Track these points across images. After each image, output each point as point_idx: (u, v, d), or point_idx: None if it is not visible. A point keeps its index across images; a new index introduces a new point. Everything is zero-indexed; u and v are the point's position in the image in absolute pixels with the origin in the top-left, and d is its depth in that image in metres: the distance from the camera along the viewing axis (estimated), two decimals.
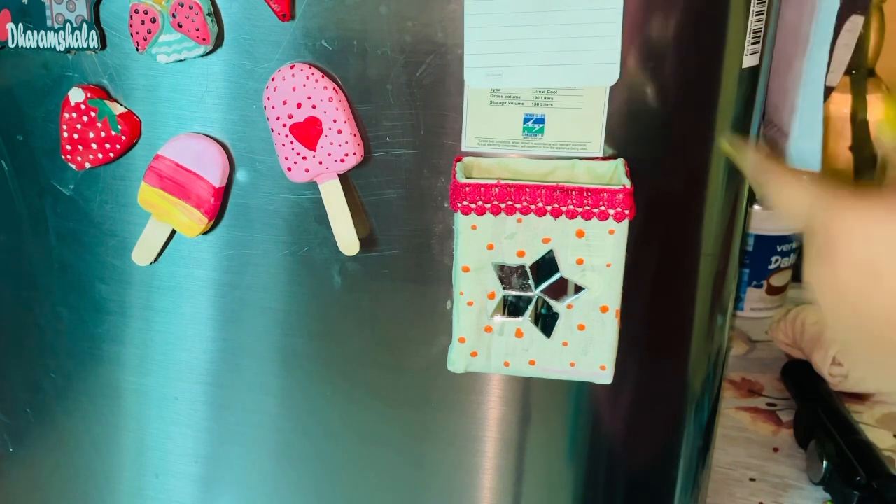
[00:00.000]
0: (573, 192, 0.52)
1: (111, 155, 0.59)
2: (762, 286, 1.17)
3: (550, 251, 0.54)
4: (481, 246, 0.54)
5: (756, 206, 1.14)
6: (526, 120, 0.54)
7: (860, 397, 1.00)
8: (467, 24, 0.52)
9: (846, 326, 0.42)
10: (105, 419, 0.68)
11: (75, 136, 0.59)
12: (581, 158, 0.55)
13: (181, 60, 0.55)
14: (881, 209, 0.41)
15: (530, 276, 0.55)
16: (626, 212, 0.52)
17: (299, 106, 0.54)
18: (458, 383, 0.61)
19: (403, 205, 0.57)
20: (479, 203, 0.53)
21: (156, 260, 0.61)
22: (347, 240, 0.57)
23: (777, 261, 1.16)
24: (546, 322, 0.55)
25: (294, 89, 0.54)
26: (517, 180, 0.53)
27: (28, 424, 0.70)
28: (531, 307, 0.55)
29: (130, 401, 0.67)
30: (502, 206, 0.53)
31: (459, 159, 0.55)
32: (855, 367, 0.71)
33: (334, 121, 0.54)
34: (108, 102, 0.58)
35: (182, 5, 0.54)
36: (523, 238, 0.54)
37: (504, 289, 0.55)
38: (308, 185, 0.57)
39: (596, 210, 0.52)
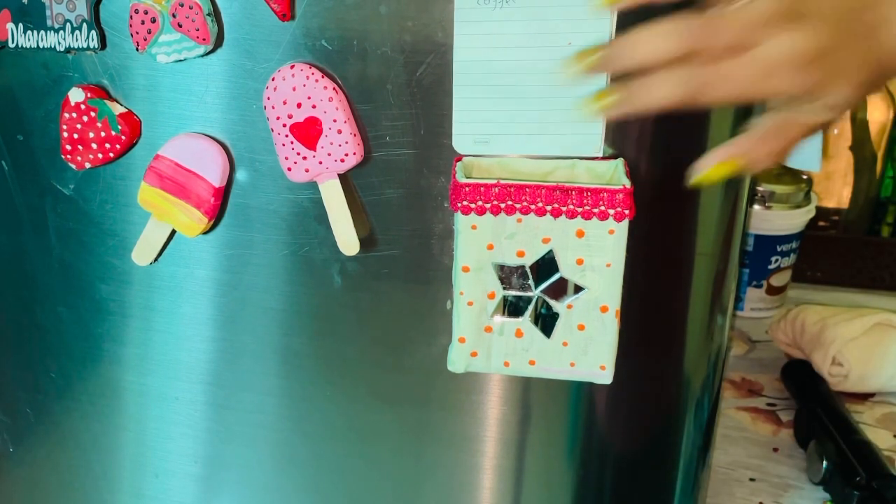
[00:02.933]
0: (573, 192, 0.52)
1: (111, 155, 0.59)
2: (762, 286, 1.17)
3: (550, 251, 0.54)
4: (481, 246, 0.54)
5: (756, 206, 1.14)
6: None
7: (860, 397, 1.00)
8: (456, 94, 0.54)
9: None
10: (105, 419, 0.68)
11: (75, 136, 0.59)
12: (581, 158, 0.55)
13: (181, 60, 0.55)
14: None
15: (530, 276, 0.55)
16: (626, 212, 0.52)
17: (299, 106, 0.54)
18: (458, 383, 0.61)
19: (403, 205, 0.57)
20: (479, 203, 0.53)
21: (156, 260, 0.61)
22: (347, 240, 0.57)
23: (777, 261, 1.16)
24: (546, 322, 0.55)
25: (294, 89, 0.54)
26: (517, 180, 0.53)
27: (28, 424, 0.70)
28: (531, 307, 0.55)
29: (130, 401, 0.67)
30: (502, 206, 0.53)
31: (459, 159, 0.55)
32: None
33: (334, 121, 0.54)
34: (108, 102, 0.58)
35: (182, 5, 0.54)
36: (523, 238, 0.54)
37: (504, 289, 0.55)
38: (308, 185, 0.57)
39: (596, 210, 0.52)
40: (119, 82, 0.58)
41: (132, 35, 0.55)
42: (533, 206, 0.53)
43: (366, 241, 0.58)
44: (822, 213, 1.25)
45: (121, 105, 0.58)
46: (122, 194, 0.61)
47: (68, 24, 0.56)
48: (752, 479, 0.87)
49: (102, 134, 0.58)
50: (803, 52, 0.49)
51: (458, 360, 0.56)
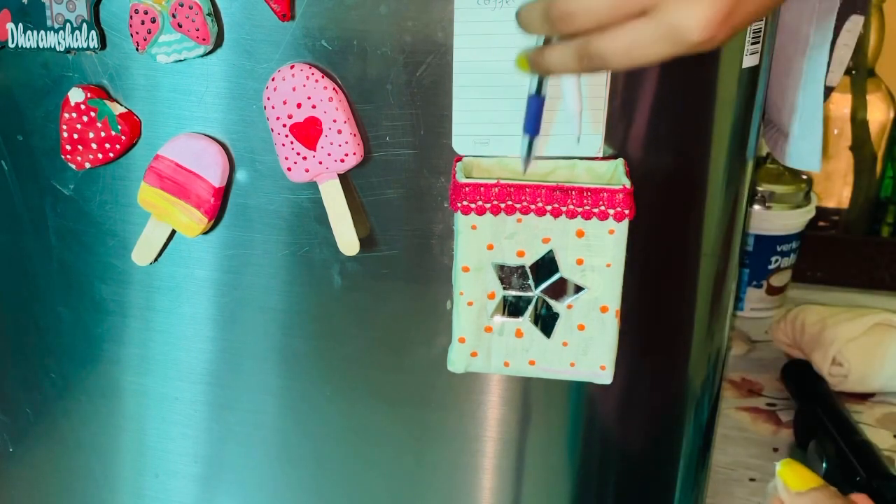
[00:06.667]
0: (573, 192, 0.52)
1: (111, 155, 0.59)
2: (762, 286, 1.17)
3: (550, 251, 0.54)
4: (481, 246, 0.54)
5: (756, 206, 1.14)
6: None
7: (860, 397, 1.00)
8: (456, 95, 0.54)
9: None
10: (105, 419, 0.68)
11: (75, 136, 0.59)
12: (581, 158, 0.55)
13: (181, 60, 0.55)
14: None
15: (530, 276, 0.55)
16: (626, 212, 0.52)
17: (299, 106, 0.54)
18: (458, 383, 0.61)
19: (403, 205, 0.57)
20: (479, 203, 0.53)
21: (156, 260, 0.61)
22: (347, 240, 0.57)
23: (777, 261, 1.16)
24: (546, 322, 0.55)
25: (294, 89, 0.54)
26: (517, 180, 0.53)
27: (28, 424, 0.70)
28: (531, 307, 0.55)
29: (130, 401, 0.67)
30: (502, 206, 0.53)
31: (459, 159, 0.55)
32: None
33: (334, 121, 0.54)
34: (108, 102, 0.58)
35: (182, 5, 0.54)
36: (523, 238, 0.54)
37: (504, 289, 0.55)
38: (308, 185, 0.57)
39: (596, 210, 0.52)
40: (119, 82, 0.58)
41: (132, 35, 0.55)
42: (533, 206, 0.53)
43: (366, 241, 0.58)
44: (822, 213, 1.25)
45: (121, 105, 0.58)
46: (122, 194, 0.61)
47: (68, 24, 0.56)
48: (752, 479, 0.87)
49: (102, 134, 0.58)
50: (719, 10, 0.44)
51: (458, 360, 0.56)
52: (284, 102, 0.54)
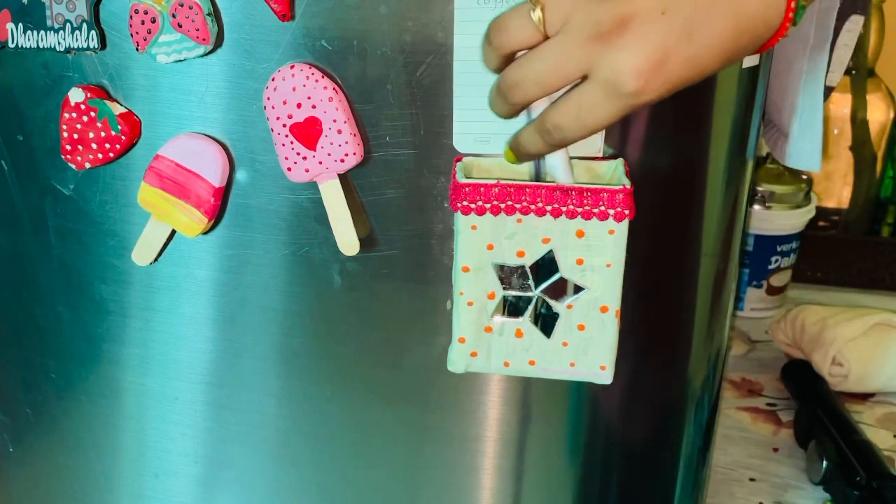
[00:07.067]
0: (573, 192, 0.52)
1: (111, 155, 0.59)
2: (762, 286, 1.17)
3: (550, 251, 0.54)
4: (481, 246, 0.54)
5: (756, 206, 1.14)
6: None
7: (860, 397, 1.00)
8: (456, 93, 0.54)
9: None
10: (105, 419, 0.68)
11: (75, 136, 0.59)
12: (581, 158, 0.55)
13: (181, 60, 0.55)
14: None
15: (530, 276, 0.55)
16: (626, 212, 0.52)
17: (299, 106, 0.54)
18: (458, 383, 0.61)
19: (403, 205, 0.57)
20: (479, 203, 0.53)
21: (156, 260, 0.61)
22: (347, 240, 0.57)
23: (777, 261, 1.16)
24: (546, 322, 0.55)
25: (294, 89, 0.54)
26: (517, 180, 0.53)
27: (28, 424, 0.70)
28: (531, 307, 0.55)
29: (130, 401, 0.67)
30: (502, 206, 0.53)
31: (459, 159, 0.55)
32: None
33: (334, 121, 0.54)
34: (108, 102, 0.58)
35: (182, 5, 0.54)
36: (523, 238, 0.54)
37: (504, 289, 0.55)
38: (308, 185, 0.57)
39: (596, 210, 0.52)
40: (119, 82, 0.58)
41: (132, 35, 0.55)
42: (533, 207, 0.53)
43: (366, 241, 0.58)
44: (822, 213, 1.25)
45: (121, 105, 0.58)
46: (122, 194, 0.61)
47: (68, 24, 0.56)
48: (752, 479, 0.88)
49: (102, 134, 0.58)
50: (648, 58, 0.45)
51: (457, 360, 0.56)
52: (284, 102, 0.54)
